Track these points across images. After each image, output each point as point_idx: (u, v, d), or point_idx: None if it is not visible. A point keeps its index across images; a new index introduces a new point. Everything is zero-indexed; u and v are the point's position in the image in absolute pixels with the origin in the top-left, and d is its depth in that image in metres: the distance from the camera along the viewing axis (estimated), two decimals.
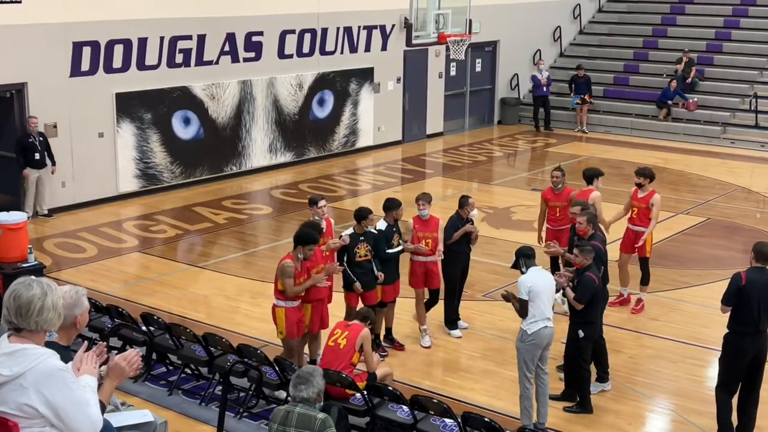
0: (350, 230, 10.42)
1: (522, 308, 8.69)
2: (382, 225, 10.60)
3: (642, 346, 11.07)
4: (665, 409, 9.65)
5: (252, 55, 19.48)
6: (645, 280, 12.10)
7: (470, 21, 20.04)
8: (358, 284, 10.24)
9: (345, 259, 10.27)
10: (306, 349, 10.06)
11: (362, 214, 10.30)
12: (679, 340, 11.17)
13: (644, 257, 12.05)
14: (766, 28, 25.36)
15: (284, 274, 9.15)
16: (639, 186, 12.06)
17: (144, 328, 10.04)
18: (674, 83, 23.89)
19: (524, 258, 8.92)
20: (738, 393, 8.67)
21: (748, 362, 8.46)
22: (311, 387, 5.92)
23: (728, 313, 8.50)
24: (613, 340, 11.03)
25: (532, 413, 8.78)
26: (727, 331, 8.58)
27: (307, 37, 20.50)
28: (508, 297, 9.00)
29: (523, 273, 8.90)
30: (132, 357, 4.77)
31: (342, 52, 21.29)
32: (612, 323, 11.52)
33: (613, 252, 13.51)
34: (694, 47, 25.20)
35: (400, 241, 10.61)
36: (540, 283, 8.69)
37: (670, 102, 23.96)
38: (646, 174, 12.09)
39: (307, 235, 9.36)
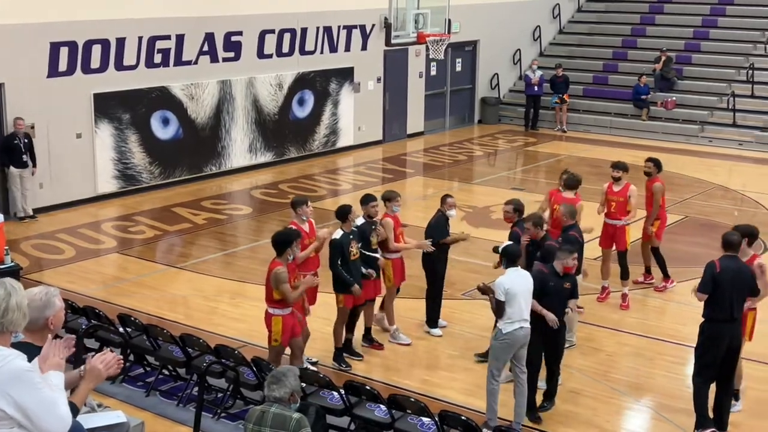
0: (339, 231, 10.20)
1: (498, 308, 8.70)
2: (359, 221, 10.61)
3: (620, 344, 11.13)
4: (642, 406, 9.70)
5: (231, 54, 19.43)
6: (625, 275, 12.23)
7: (449, 21, 20.06)
8: (357, 287, 10.07)
9: (340, 260, 10.05)
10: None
11: (345, 211, 10.21)
12: (657, 338, 11.22)
13: (623, 251, 12.20)
14: (744, 27, 25.52)
15: (280, 281, 8.98)
16: (616, 180, 12.15)
17: (121, 329, 9.99)
18: (644, 79, 24.05)
19: (507, 258, 8.91)
20: (715, 386, 8.77)
21: (723, 350, 8.58)
22: (284, 387, 5.91)
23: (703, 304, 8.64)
24: (590, 338, 11.13)
25: (496, 409, 8.80)
26: (702, 319, 8.69)
27: (287, 36, 20.47)
28: (484, 289, 9.02)
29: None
30: (109, 359, 4.74)
31: (322, 52, 21.28)
32: (590, 321, 11.61)
33: (590, 250, 13.62)
34: (672, 46, 25.33)
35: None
36: (518, 284, 8.69)
37: (644, 97, 24.07)
38: (621, 167, 12.26)
39: (288, 235, 9.33)
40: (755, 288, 8.70)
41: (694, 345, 8.85)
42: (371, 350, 10.78)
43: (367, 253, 10.43)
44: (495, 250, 9.47)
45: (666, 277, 12.78)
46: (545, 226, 10.50)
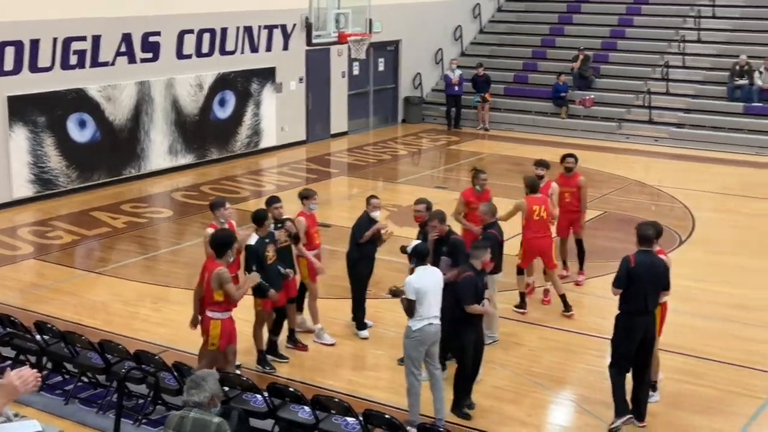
0: (254, 237, 10.05)
1: (409, 308, 8.74)
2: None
3: (542, 339, 11.27)
4: (565, 399, 9.84)
5: (149, 55, 19.14)
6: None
7: (371, 20, 20.10)
8: (273, 291, 9.93)
9: (255, 266, 9.88)
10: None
11: (261, 216, 10.11)
12: (579, 332, 11.39)
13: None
14: (659, 26, 26.10)
15: (224, 281, 8.81)
16: (539, 177, 12.40)
17: (38, 337, 9.75)
18: (562, 77, 24.44)
19: (416, 257, 8.94)
20: (632, 379, 8.94)
21: (638, 342, 8.76)
22: (203, 391, 5.83)
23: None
24: (513, 333, 11.26)
25: (418, 409, 8.84)
26: (618, 312, 8.87)
27: (206, 37, 20.25)
28: (396, 293, 9.07)
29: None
30: (27, 375, 4.63)
31: (242, 52, 21.11)
32: (512, 317, 11.74)
33: (511, 248, 13.76)
34: (590, 45, 25.76)
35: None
36: (427, 282, 8.75)
37: (563, 95, 24.46)
38: (544, 165, 12.59)
39: (229, 236, 9.26)
40: (668, 282, 8.90)
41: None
42: (296, 352, 10.72)
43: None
44: (403, 250, 9.51)
45: (581, 270, 13.09)
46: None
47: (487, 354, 9.81)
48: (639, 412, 9.01)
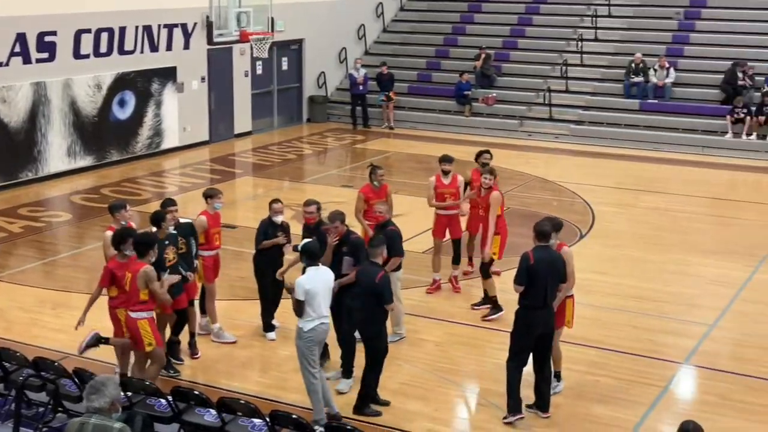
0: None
1: (298, 308, 8.75)
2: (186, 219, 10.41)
3: (448, 334, 11.38)
4: (471, 393, 9.97)
5: (45, 55, 18.63)
6: (457, 260, 12.82)
7: (273, 19, 20.01)
8: (167, 296, 9.72)
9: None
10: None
11: (159, 217, 9.94)
12: (483, 326, 11.54)
13: (458, 239, 12.79)
14: (557, 24, 26.64)
15: (151, 280, 8.84)
16: (445, 173, 12.55)
17: None
18: (465, 76, 24.72)
19: (307, 256, 8.95)
20: (534, 372, 9.13)
21: (537, 336, 8.95)
22: (103, 397, 5.69)
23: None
24: (418, 330, 11.34)
25: (322, 407, 8.86)
26: (518, 306, 9.05)
27: (104, 36, 19.82)
28: (291, 289, 9.04)
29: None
30: None
31: (142, 52, 20.73)
32: (418, 313, 11.82)
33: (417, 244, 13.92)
34: (491, 44, 26.12)
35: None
36: (317, 283, 8.77)
37: (466, 94, 24.74)
38: (449, 160, 12.71)
39: (152, 236, 9.22)
40: (565, 275, 9.11)
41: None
42: (205, 354, 10.57)
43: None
44: (295, 248, 9.51)
45: (471, 262, 13.35)
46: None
47: (393, 351, 9.86)
48: (542, 403, 9.19)
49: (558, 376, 9.68)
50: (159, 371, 9.24)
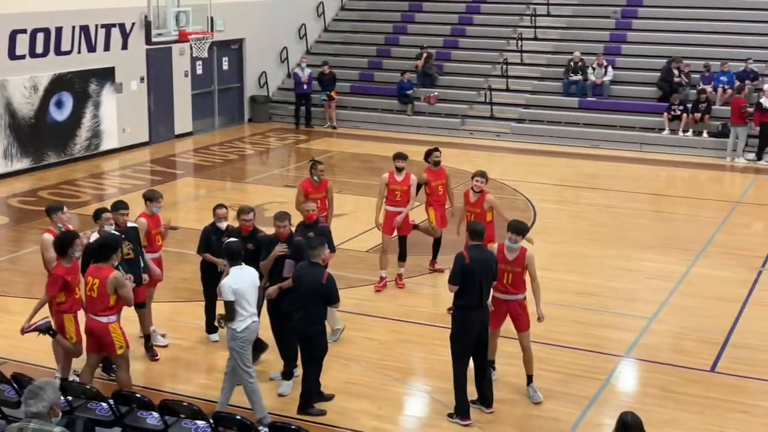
0: (94, 236, 9.87)
1: (230, 311, 8.72)
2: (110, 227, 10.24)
3: (392, 332, 11.40)
4: (415, 390, 9.99)
5: None
6: (403, 257, 12.87)
7: (212, 19, 19.85)
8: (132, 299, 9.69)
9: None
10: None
11: (95, 215, 9.98)
12: (426, 323, 11.57)
13: (405, 236, 12.84)
14: (497, 24, 26.85)
15: (122, 285, 8.78)
16: (399, 170, 12.66)
17: None
18: (407, 75, 24.79)
19: (228, 257, 8.95)
20: (474, 369, 9.20)
21: (475, 335, 9.00)
22: (42, 401, 5.59)
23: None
24: (362, 328, 11.35)
25: (263, 406, 8.85)
26: (454, 308, 9.11)
27: (41, 36, 19.47)
28: (220, 320, 9.10)
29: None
30: None
31: (79, 52, 20.42)
32: (363, 311, 11.83)
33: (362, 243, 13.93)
34: (432, 43, 26.24)
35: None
36: (243, 282, 8.77)
37: (408, 93, 24.81)
38: (403, 157, 12.81)
39: (115, 240, 9.11)
40: (497, 274, 9.22)
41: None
42: (146, 358, 10.45)
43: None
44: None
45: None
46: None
47: (339, 350, 9.86)
48: (486, 399, 9.26)
49: (492, 366, 9.73)
50: (128, 374, 9.12)
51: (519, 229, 9.33)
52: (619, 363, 10.63)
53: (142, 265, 10.22)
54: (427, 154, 13.15)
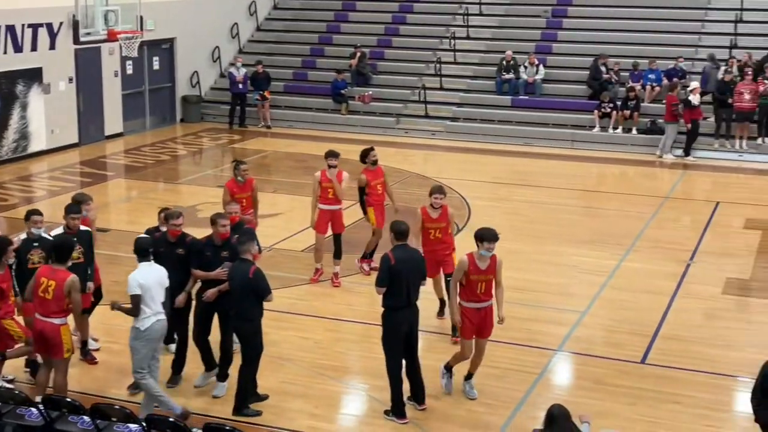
0: (21, 237, 9.71)
1: (134, 306, 8.69)
2: (59, 230, 10.04)
3: (328, 330, 11.40)
4: (351, 388, 9.98)
5: None
6: (338, 255, 12.88)
7: (142, 18, 19.59)
8: (18, 299, 9.43)
9: (14, 266, 9.48)
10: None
11: (26, 216, 9.75)
12: (361, 321, 11.56)
13: (340, 234, 12.86)
14: (430, 23, 26.97)
15: (76, 289, 8.73)
16: (332, 168, 12.64)
17: None
18: (341, 74, 24.76)
19: (138, 253, 8.90)
20: (405, 367, 9.19)
21: (406, 334, 9.03)
22: None
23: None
24: (298, 327, 11.32)
25: (171, 400, 8.82)
26: (383, 309, 9.08)
27: None
28: (114, 306, 9.00)
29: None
30: None
31: (5, 52, 19.97)
32: (296, 311, 11.79)
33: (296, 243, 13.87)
34: (366, 42, 26.25)
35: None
36: (150, 277, 8.74)
37: (343, 92, 24.79)
38: (336, 155, 12.84)
39: (69, 240, 9.11)
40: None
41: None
42: (82, 363, 10.26)
43: None
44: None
45: (368, 258, 13.36)
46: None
47: (274, 350, 9.82)
48: (418, 395, 9.29)
49: (470, 376, 9.70)
50: (66, 379, 8.95)
51: (495, 236, 9.19)
52: (553, 357, 10.76)
53: (89, 271, 10.03)
54: (364, 155, 13.13)
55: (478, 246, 9.20)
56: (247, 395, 9.17)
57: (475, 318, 9.30)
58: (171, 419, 7.50)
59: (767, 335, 11.54)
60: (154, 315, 8.71)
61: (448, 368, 9.69)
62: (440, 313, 11.52)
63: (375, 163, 13.04)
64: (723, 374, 10.34)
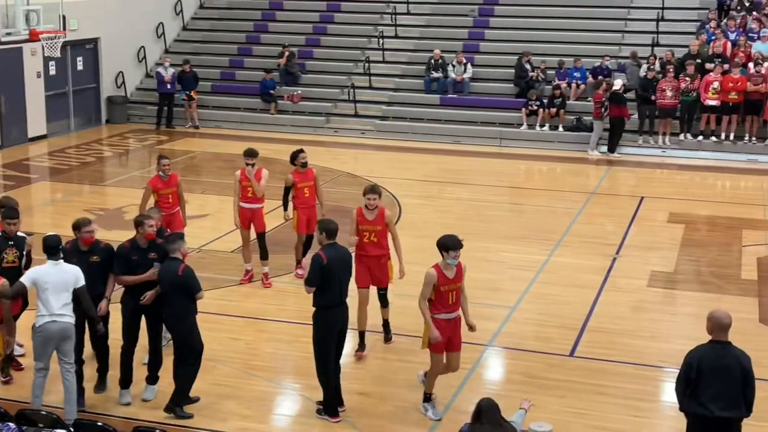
0: None
1: (12, 291, 8.77)
2: None
3: (258, 331, 11.36)
4: (284, 389, 9.96)
5: None
6: (264, 255, 12.75)
7: (64, 17, 19.24)
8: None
9: None
10: None
11: None
12: (293, 321, 11.52)
13: (262, 233, 12.74)
14: (358, 22, 27.00)
15: (6, 295, 8.81)
16: (251, 166, 12.56)
17: None
18: (269, 74, 24.65)
19: (46, 252, 8.79)
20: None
21: (338, 332, 9.07)
22: None
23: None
24: (228, 329, 11.24)
25: (40, 395, 8.80)
26: (314, 309, 9.05)
27: None
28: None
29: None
30: None
31: None
32: (226, 312, 11.70)
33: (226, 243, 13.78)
34: (294, 42, 26.15)
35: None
36: (51, 277, 8.66)
37: (271, 92, 24.67)
38: (253, 154, 12.75)
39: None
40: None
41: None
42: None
43: None
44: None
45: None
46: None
47: (204, 352, 9.64)
48: (340, 397, 9.29)
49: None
50: None
51: (460, 244, 8.99)
52: (484, 352, 10.86)
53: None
54: (293, 157, 12.94)
55: (443, 255, 8.97)
56: (183, 396, 9.10)
57: (447, 330, 9.00)
58: (100, 423, 7.38)
59: (692, 326, 11.79)
60: (50, 315, 8.56)
61: (427, 398, 9.31)
62: (360, 349, 10.60)
63: (304, 165, 12.85)
64: (649, 365, 10.56)
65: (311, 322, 11.18)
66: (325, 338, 9.02)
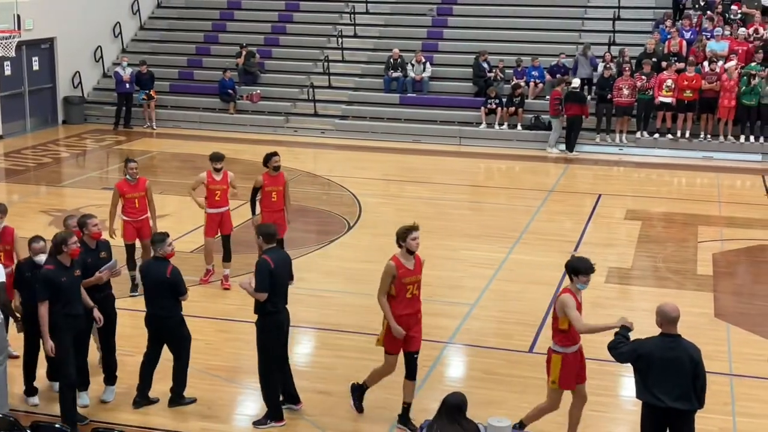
0: None
1: None
2: None
3: (219, 331, 11.33)
4: (244, 388, 9.93)
5: None
6: (228, 257, 12.75)
7: (19, 17, 19.01)
8: None
9: None
10: None
11: None
12: (252, 321, 11.45)
13: (228, 235, 12.72)
14: (317, 21, 27.00)
15: None
16: (217, 170, 12.51)
17: None
18: (228, 73, 24.55)
19: None
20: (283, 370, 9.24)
21: (284, 335, 9.10)
22: None
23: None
24: (190, 330, 11.12)
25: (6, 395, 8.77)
26: (259, 314, 8.99)
27: None
28: None
29: None
30: None
31: None
32: (186, 312, 11.54)
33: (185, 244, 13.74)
34: (252, 41, 26.09)
35: None
36: None
37: (230, 91, 24.57)
38: (220, 158, 12.63)
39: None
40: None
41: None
42: None
43: None
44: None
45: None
46: None
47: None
48: (293, 395, 9.32)
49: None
50: None
51: (592, 268, 8.69)
52: (445, 349, 10.92)
53: None
54: (266, 159, 12.63)
55: (572, 279, 8.64)
56: (182, 388, 9.28)
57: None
58: (57, 425, 7.32)
59: (649, 321, 11.76)
60: None
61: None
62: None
63: (277, 168, 12.50)
64: (607, 360, 10.52)
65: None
66: (274, 343, 8.98)
